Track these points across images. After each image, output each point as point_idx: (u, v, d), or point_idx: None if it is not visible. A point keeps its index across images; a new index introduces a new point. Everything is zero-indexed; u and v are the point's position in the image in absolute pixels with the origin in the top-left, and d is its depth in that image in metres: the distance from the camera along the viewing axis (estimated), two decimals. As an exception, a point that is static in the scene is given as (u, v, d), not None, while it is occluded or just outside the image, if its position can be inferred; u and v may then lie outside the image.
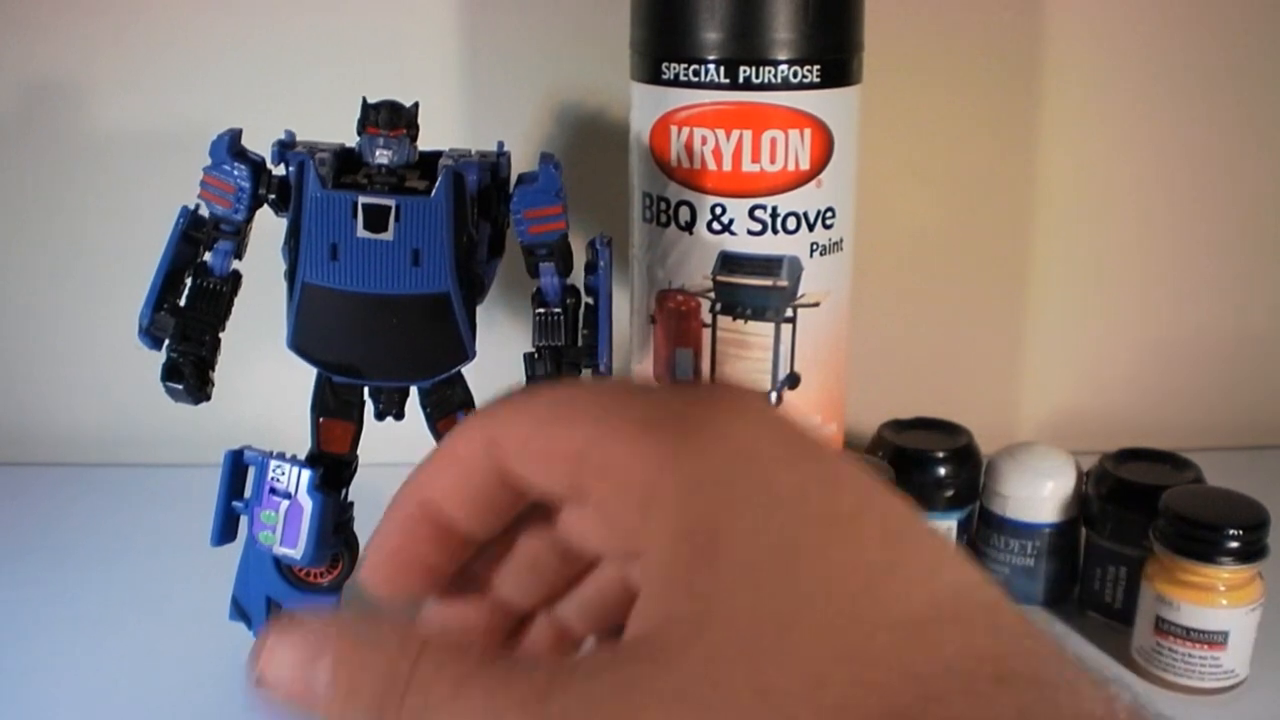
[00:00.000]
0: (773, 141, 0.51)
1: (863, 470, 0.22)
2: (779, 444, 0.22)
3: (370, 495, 0.52)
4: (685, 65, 0.51)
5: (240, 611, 0.51)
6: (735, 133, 0.51)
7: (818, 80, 0.51)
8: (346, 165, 0.47)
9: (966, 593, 0.20)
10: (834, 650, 0.19)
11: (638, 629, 0.21)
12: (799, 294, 0.54)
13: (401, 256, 0.46)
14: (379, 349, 0.48)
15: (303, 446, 0.50)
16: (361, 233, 0.46)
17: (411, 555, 0.26)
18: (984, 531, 0.57)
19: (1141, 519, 0.52)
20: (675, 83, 0.52)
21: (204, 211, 0.48)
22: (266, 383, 0.61)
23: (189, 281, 0.48)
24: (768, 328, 0.54)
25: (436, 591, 0.27)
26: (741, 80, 0.51)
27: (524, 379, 0.48)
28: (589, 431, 0.23)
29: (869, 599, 0.19)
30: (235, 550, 0.50)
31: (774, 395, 0.55)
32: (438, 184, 0.46)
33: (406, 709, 0.21)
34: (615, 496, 0.22)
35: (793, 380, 0.55)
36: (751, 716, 0.18)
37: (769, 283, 0.53)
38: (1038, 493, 0.55)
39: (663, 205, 0.54)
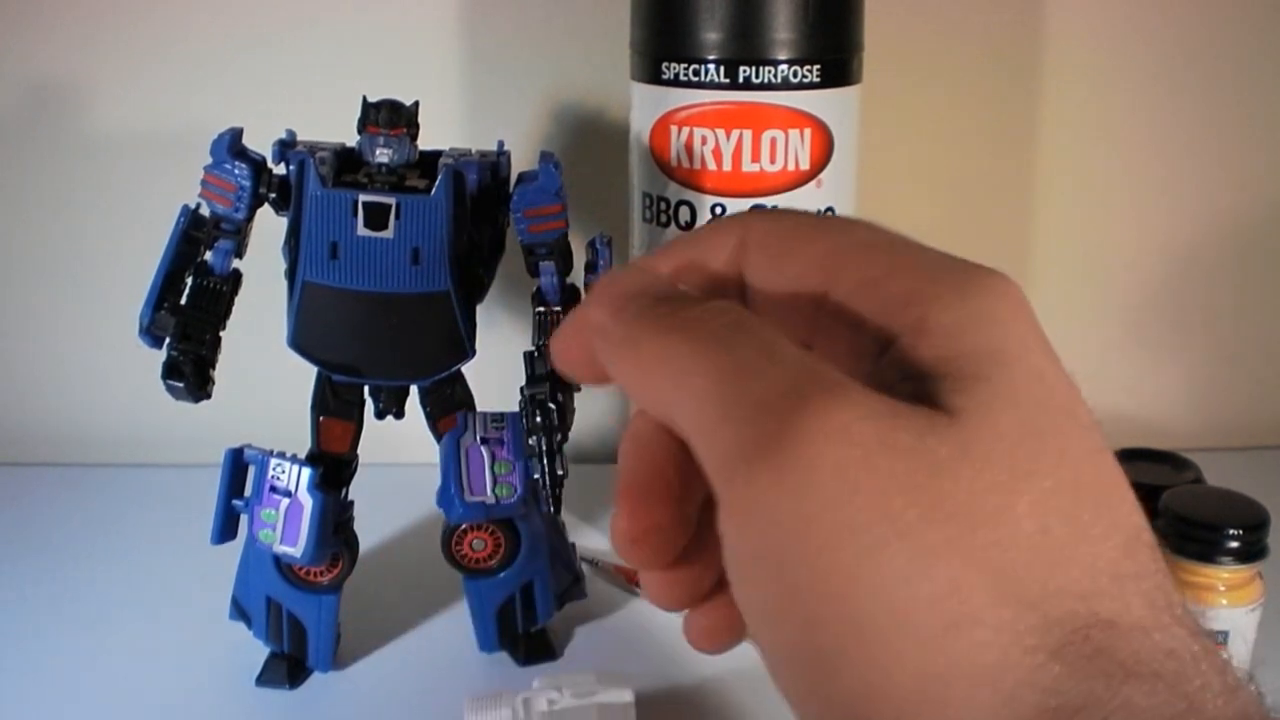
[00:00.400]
0: (773, 141, 0.51)
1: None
2: (1040, 336, 0.22)
3: (370, 494, 0.52)
4: (685, 65, 0.51)
5: (240, 611, 0.51)
6: (735, 132, 0.51)
7: (818, 80, 0.51)
8: (347, 164, 0.47)
9: (1152, 555, 0.20)
10: (1060, 520, 0.19)
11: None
12: (799, 294, 0.54)
13: (401, 255, 0.46)
14: (379, 348, 0.48)
15: (303, 446, 0.50)
16: (362, 231, 0.46)
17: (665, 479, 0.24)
18: (984, 531, 0.57)
19: (1141, 519, 0.52)
20: (675, 83, 0.52)
21: (204, 211, 0.48)
22: (267, 381, 0.61)
23: (189, 280, 0.48)
24: (768, 327, 0.54)
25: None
26: (741, 80, 0.51)
27: (525, 378, 0.48)
28: (854, 238, 0.23)
29: (1086, 509, 0.20)
30: (235, 549, 0.50)
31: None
32: (438, 183, 0.46)
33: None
34: (880, 294, 0.23)
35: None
36: (995, 525, 0.19)
37: (769, 283, 0.53)
38: (1038, 493, 0.55)
39: (663, 205, 0.54)
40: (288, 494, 0.47)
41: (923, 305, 0.22)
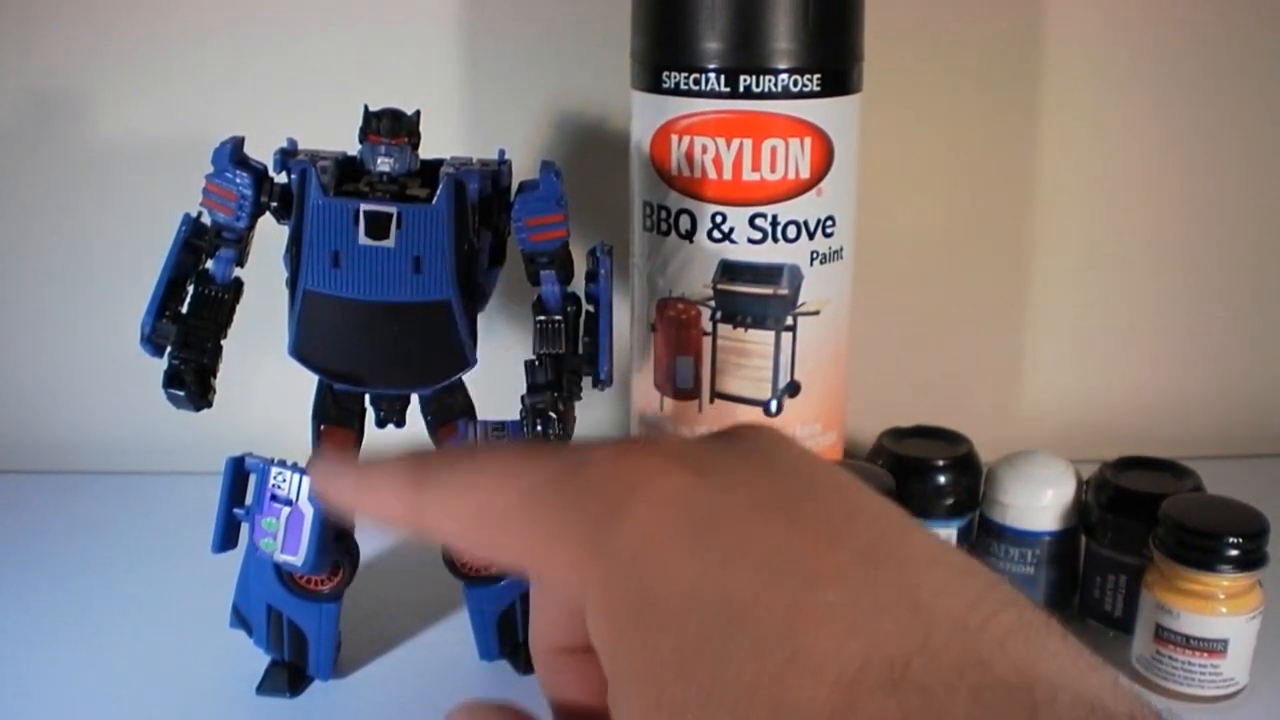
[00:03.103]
0: (773, 150, 0.52)
1: (771, 530, 0.20)
2: (677, 530, 0.21)
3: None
4: (686, 74, 0.51)
5: (241, 619, 0.51)
6: (735, 141, 0.51)
7: (818, 89, 0.51)
8: (348, 173, 0.47)
9: (862, 682, 0.18)
10: None
11: None
12: (799, 302, 0.54)
13: (403, 264, 0.46)
14: (380, 356, 0.48)
15: (304, 454, 0.50)
16: (363, 240, 0.46)
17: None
18: (984, 540, 0.57)
19: (1141, 527, 0.52)
20: (676, 91, 0.52)
21: (205, 219, 0.48)
22: (268, 390, 0.61)
23: (191, 289, 0.48)
24: (768, 336, 0.54)
25: None
26: (742, 89, 0.51)
27: (526, 387, 0.48)
28: (522, 545, 0.23)
29: (761, 701, 0.18)
30: (235, 558, 0.50)
31: (774, 403, 0.55)
32: (439, 191, 0.46)
33: None
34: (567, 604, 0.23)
35: (793, 388, 0.55)
36: None
37: (769, 291, 0.53)
38: (1037, 501, 0.55)
39: (663, 214, 0.54)
40: (289, 502, 0.47)
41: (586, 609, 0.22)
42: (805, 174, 0.52)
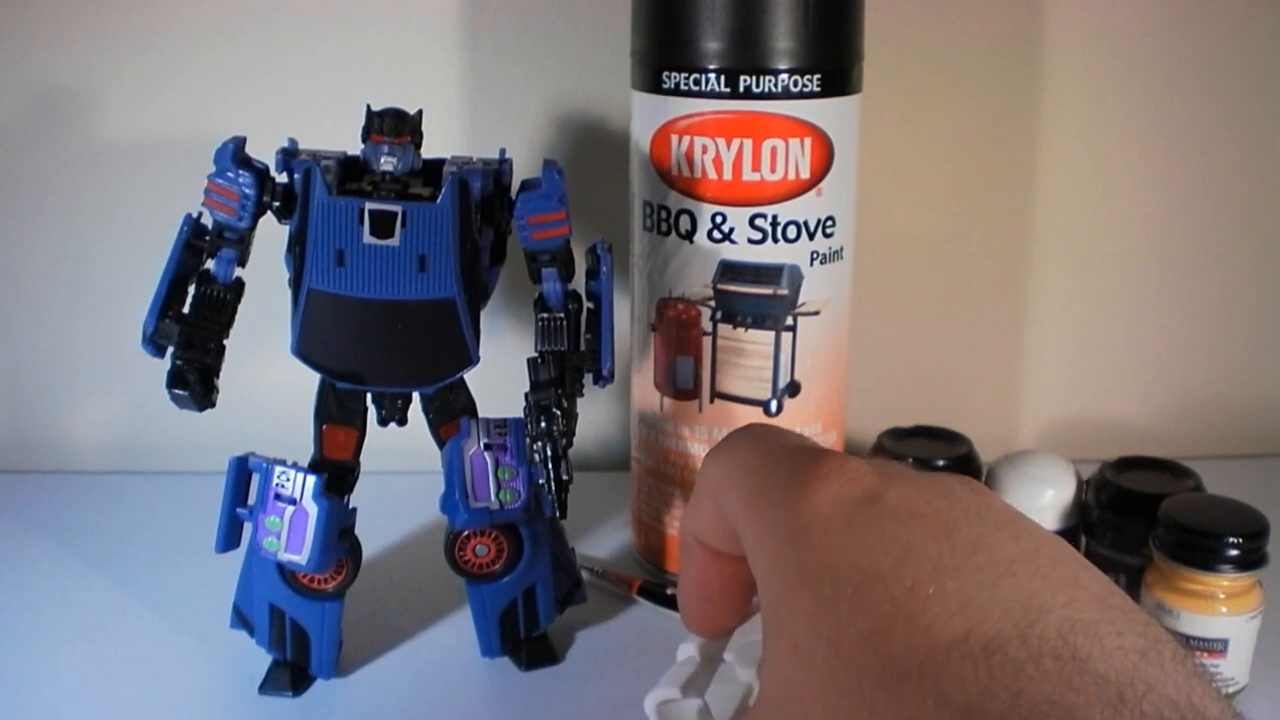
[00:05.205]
0: (773, 150, 0.52)
1: (919, 532, 0.23)
2: (841, 519, 0.24)
3: (372, 501, 0.52)
4: (686, 74, 0.52)
5: (242, 619, 0.51)
6: (735, 141, 0.52)
7: (818, 89, 0.51)
8: (350, 172, 0.47)
9: (960, 646, 0.21)
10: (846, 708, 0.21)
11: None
12: (799, 302, 0.54)
13: (408, 262, 0.46)
14: (383, 355, 0.48)
15: (304, 453, 0.50)
16: (368, 239, 0.46)
17: (709, 592, 0.31)
18: (984, 539, 0.57)
19: (1141, 527, 0.52)
20: (676, 92, 0.52)
21: (206, 219, 0.48)
22: (269, 390, 0.61)
23: (192, 289, 0.48)
24: (768, 336, 0.54)
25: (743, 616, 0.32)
26: (742, 89, 0.51)
27: (529, 382, 0.49)
28: (733, 502, 0.27)
29: (871, 648, 0.21)
30: (236, 558, 0.50)
31: (774, 403, 0.55)
32: (444, 190, 0.46)
33: None
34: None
35: (793, 388, 0.55)
36: None
37: (769, 291, 0.54)
38: (1037, 501, 0.55)
39: (663, 214, 0.54)
40: (292, 502, 0.47)
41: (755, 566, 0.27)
42: (805, 174, 0.52)
